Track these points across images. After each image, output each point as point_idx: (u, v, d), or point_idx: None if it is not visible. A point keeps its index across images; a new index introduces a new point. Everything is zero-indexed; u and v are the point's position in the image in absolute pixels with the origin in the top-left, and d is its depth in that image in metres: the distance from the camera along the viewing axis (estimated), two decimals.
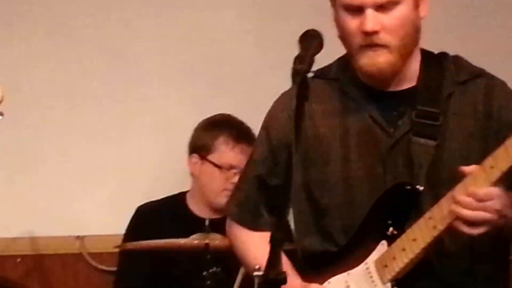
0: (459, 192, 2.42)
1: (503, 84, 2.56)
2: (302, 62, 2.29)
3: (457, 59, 2.60)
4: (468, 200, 2.39)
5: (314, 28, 2.34)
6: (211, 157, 3.79)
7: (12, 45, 4.67)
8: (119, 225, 4.03)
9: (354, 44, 2.46)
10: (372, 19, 2.42)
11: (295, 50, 2.33)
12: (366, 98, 2.58)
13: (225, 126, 3.74)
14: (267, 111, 2.76)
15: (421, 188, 2.49)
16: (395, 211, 2.57)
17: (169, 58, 4.64)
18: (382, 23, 2.44)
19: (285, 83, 2.45)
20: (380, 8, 2.43)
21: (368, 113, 2.55)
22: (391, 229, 2.55)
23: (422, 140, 2.53)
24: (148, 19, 4.67)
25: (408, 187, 2.52)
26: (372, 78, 2.52)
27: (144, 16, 4.64)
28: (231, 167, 3.65)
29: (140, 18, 4.67)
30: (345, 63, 2.58)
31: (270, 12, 4.30)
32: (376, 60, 2.47)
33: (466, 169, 2.43)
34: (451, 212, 2.44)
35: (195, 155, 3.86)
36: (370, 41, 2.44)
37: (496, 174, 2.41)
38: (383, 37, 2.45)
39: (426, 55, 2.57)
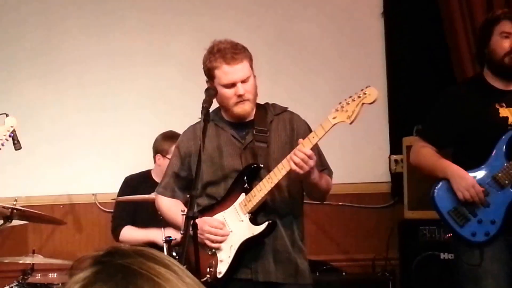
0: (295, 150, 3.40)
1: (298, 115, 3.73)
2: (206, 103, 3.46)
3: (272, 104, 3.75)
4: (300, 153, 3.39)
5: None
6: (168, 156, 4.72)
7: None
8: (116, 187, 5.22)
9: (231, 103, 3.58)
10: (242, 88, 3.57)
11: None
12: (229, 127, 3.66)
13: (175, 138, 4.30)
14: None
15: (261, 165, 3.57)
16: (248, 178, 3.61)
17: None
18: (245, 89, 3.58)
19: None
20: (243, 81, 3.56)
21: (231, 133, 3.66)
22: (246, 185, 3.58)
23: (260, 144, 3.61)
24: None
25: (255, 165, 3.60)
26: (238, 118, 3.60)
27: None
28: None
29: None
30: (216, 113, 3.68)
31: None
32: (245, 108, 3.62)
33: (300, 140, 3.43)
34: (289, 160, 3.39)
35: (159, 155, 5.01)
36: (241, 98, 3.57)
37: (316, 140, 3.42)
38: (247, 96, 3.58)
39: (258, 104, 3.68)
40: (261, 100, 3.74)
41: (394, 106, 5.92)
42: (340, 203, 5.87)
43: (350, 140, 5.85)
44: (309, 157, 3.38)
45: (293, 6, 5.95)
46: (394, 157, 5.86)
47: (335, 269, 5.56)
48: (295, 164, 3.37)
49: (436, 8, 5.74)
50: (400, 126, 5.80)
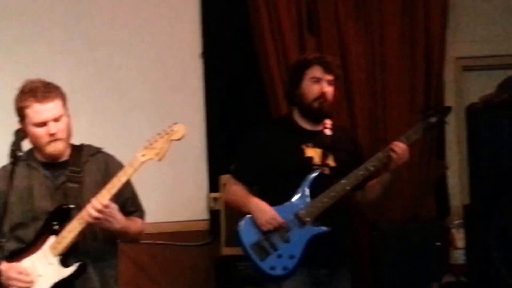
0: (92, 201, 3.47)
1: (113, 156, 3.77)
2: (14, 146, 3.48)
3: (87, 145, 3.76)
4: (96, 203, 3.48)
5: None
6: None
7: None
8: None
9: (43, 142, 3.57)
10: (54, 127, 3.56)
11: None
12: (42, 167, 3.64)
13: None
14: None
15: (73, 206, 3.57)
16: (58, 219, 3.57)
17: None
18: (58, 127, 3.57)
19: None
20: (55, 120, 3.56)
21: (43, 174, 3.62)
22: (55, 227, 3.56)
23: (73, 185, 3.62)
24: None
25: (65, 206, 3.60)
26: (51, 157, 3.59)
27: None
28: None
29: None
30: (29, 153, 3.65)
31: None
32: (58, 147, 3.62)
33: (102, 190, 3.47)
34: (85, 212, 3.47)
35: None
36: (54, 137, 3.57)
37: (125, 178, 3.51)
38: (59, 134, 3.59)
39: (72, 145, 3.72)
40: (78, 140, 3.74)
41: (212, 145, 6.07)
42: (159, 242, 5.88)
43: (169, 178, 5.90)
44: (106, 207, 3.45)
45: (113, 45, 5.94)
46: (212, 195, 5.97)
47: None
48: (92, 217, 3.45)
49: (252, 48, 5.92)
50: (218, 165, 5.89)
